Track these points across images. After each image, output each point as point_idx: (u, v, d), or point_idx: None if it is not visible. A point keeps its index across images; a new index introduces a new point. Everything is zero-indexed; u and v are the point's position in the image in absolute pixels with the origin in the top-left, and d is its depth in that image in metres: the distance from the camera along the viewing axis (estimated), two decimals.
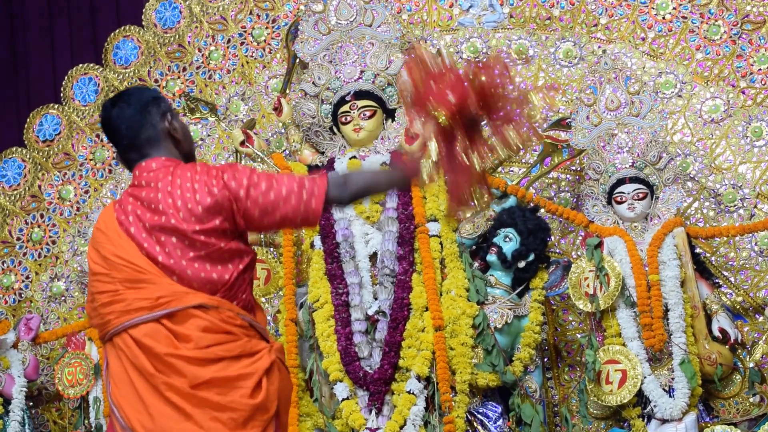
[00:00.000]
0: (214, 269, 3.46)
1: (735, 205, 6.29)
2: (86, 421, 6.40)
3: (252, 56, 6.97)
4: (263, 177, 3.47)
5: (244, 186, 3.44)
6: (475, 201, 3.54)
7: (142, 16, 7.12)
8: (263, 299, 6.30)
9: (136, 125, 3.57)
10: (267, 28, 6.97)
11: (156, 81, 7.04)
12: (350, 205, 6.00)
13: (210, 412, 3.36)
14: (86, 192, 7.06)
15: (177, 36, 7.06)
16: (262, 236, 6.15)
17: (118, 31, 7.15)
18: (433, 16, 6.84)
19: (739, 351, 6.02)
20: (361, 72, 6.19)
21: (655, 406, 5.75)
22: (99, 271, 3.48)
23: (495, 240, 5.99)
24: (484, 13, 6.79)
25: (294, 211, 3.47)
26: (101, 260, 3.48)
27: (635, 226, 6.04)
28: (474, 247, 6.13)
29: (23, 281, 7.04)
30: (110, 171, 7.03)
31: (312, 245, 6.06)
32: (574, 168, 6.51)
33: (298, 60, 6.51)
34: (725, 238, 6.21)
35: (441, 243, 5.98)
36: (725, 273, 6.27)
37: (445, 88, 3.47)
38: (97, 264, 3.49)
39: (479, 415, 5.84)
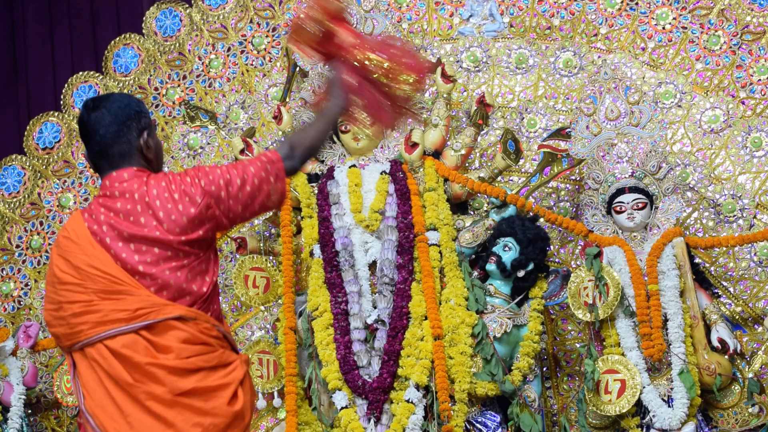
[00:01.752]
0: (194, 281, 3.47)
1: (734, 216, 6.29)
2: None
3: (252, 65, 6.97)
4: (233, 172, 3.50)
5: (222, 186, 3.47)
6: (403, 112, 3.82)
7: (143, 24, 7.13)
8: (262, 307, 6.30)
9: (111, 136, 3.54)
10: (267, 36, 6.98)
11: (156, 89, 7.04)
12: (349, 214, 6.01)
13: (192, 417, 3.37)
14: (86, 200, 7.06)
15: (177, 44, 7.07)
16: (261, 245, 6.15)
17: (118, 39, 7.16)
18: (433, 25, 6.85)
19: (738, 361, 6.02)
20: None
21: (654, 416, 5.75)
22: (69, 280, 3.44)
23: (494, 249, 6.00)
24: (484, 23, 6.80)
25: (267, 197, 3.54)
26: (71, 269, 3.45)
27: (634, 236, 6.05)
28: (473, 256, 6.14)
29: (22, 289, 7.04)
30: None
31: (311, 254, 6.06)
32: (573, 177, 6.51)
33: (298, 69, 6.52)
34: (724, 249, 6.21)
35: (440, 252, 5.98)
36: (724, 283, 6.27)
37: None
38: (65, 273, 3.45)
39: (478, 425, 5.83)
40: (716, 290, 6.21)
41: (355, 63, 3.71)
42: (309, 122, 3.70)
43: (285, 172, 3.58)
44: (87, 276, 3.42)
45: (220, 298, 3.69)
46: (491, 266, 5.98)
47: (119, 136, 3.55)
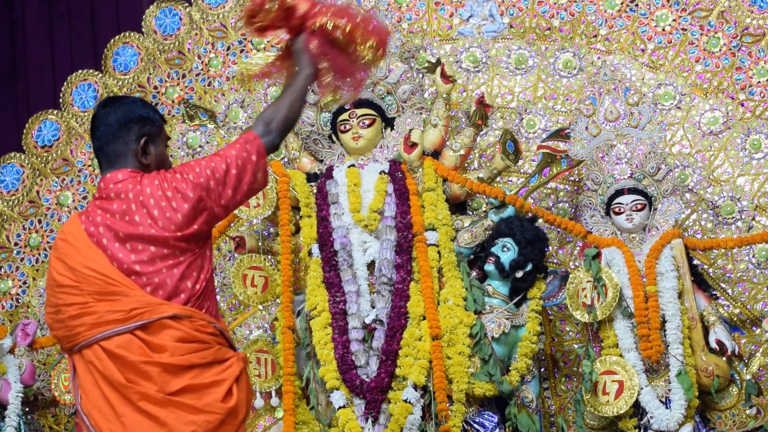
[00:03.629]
0: (188, 278, 3.50)
1: (733, 217, 6.30)
2: None
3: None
4: (216, 159, 3.55)
5: (209, 175, 3.52)
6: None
7: (142, 23, 7.13)
8: (261, 307, 6.30)
9: (110, 135, 3.61)
10: None
11: (155, 87, 7.04)
12: (348, 213, 6.01)
13: (185, 416, 3.39)
14: (84, 198, 7.05)
15: (177, 43, 7.06)
16: (260, 244, 6.15)
17: (117, 37, 7.15)
18: (433, 25, 6.85)
19: (736, 363, 6.01)
20: None
21: (651, 417, 5.75)
22: (66, 283, 3.47)
23: (493, 250, 6.00)
24: (483, 23, 6.80)
25: (253, 176, 3.59)
26: (68, 272, 3.48)
27: (633, 237, 6.05)
28: (472, 256, 6.14)
29: (20, 287, 7.04)
30: None
31: (310, 253, 6.05)
32: (572, 178, 6.52)
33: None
34: (723, 250, 6.21)
35: (439, 252, 5.98)
36: (723, 285, 6.27)
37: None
38: (62, 275, 3.49)
39: (476, 425, 5.83)
40: (714, 292, 6.21)
41: (315, 28, 3.76)
42: (279, 96, 3.72)
43: (265, 148, 3.62)
44: (83, 277, 3.45)
45: (218, 297, 3.70)
46: (490, 267, 5.97)
47: (117, 136, 3.61)
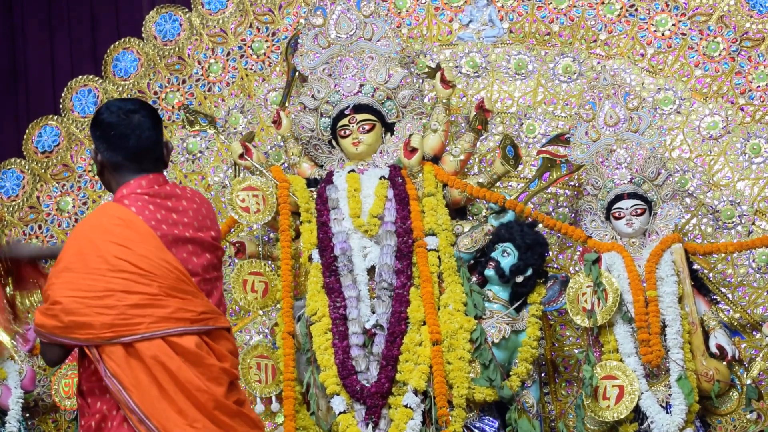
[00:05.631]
0: (220, 292, 3.52)
1: (733, 222, 6.30)
2: None
3: (251, 69, 6.97)
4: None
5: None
6: None
7: (142, 29, 7.13)
8: (261, 312, 6.30)
9: (153, 140, 3.53)
10: (267, 41, 6.98)
11: (155, 93, 7.04)
12: (348, 219, 6.00)
13: (249, 429, 3.38)
14: (84, 203, 7.05)
15: (177, 48, 7.07)
16: (260, 249, 6.15)
17: (117, 43, 7.15)
18: (432, 30, 6.85)
19: (737, 368, 6.02)
20: (361, 86, 6.20)
21: (652, 422, 5.75)
22: (129, 269, 3.33)
23: (493, 255, 5.99)
24: (483, 28, 6.80)
25: None
26: (136, 258, 3.34)
27: (633, 242, 6.05)
28: (472, 261, 6.13)
29: None
30: None
31: (310, 258, 6.05)
32: (572, 183, 6.52)
33: (297, 73, 6.52)
34: (723, 255, 6.21)
35: (439, 257, 5.98)
36: (723, 289, 6.27)
37: None
38: (124, 261, 3.34)
39: (476, 430, 5.83)
40: (715, 296, 6.21)
41: None
42: None
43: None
44: (157, 268, 3.35)
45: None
46: (490, 272, 5.97)
47: (158, 143, 3.55)
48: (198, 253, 3.43)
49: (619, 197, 6.05)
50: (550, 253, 6.38)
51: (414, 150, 6.14)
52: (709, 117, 6.46)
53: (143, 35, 7.13)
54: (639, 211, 6.04)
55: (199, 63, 7.03)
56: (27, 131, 7.18)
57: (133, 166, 3.51)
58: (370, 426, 5.69)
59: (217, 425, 3.31)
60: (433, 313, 5.80)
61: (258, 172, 6.15)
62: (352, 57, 6.27)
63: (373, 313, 5.88)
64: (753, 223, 6.30)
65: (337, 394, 5.74)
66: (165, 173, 3.61)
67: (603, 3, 6.70)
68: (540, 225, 6.16)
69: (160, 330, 3.32)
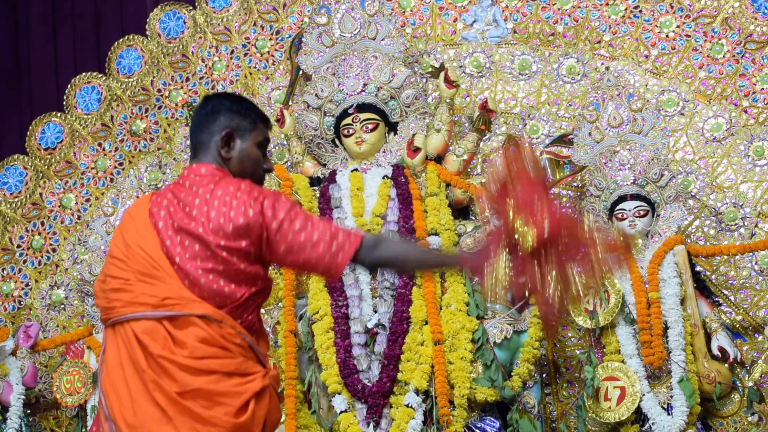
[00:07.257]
0: (228, 285, 3.43)
1: (736, 224, 6.29)
2: (83, 430, 6.39)
3: (255, 67, 6.98)
4: (301, 216, 3.43)
5: (279, 219, 3.41)
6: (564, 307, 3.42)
7: (146, 26, 7.14)
8: (263, 310, 6.30)
9: (198, 125, 3.58)
10: (271, 39, 6.98)
11: (159, 91, 7.05)
12: (351, 218, 6.01)
13: (191, 423, 3.32)
14: (87, 200, 7.06)
15: (181, 46, 7.07)
16: None
17: (121, 40, 7.16)
18: (436, 30, 6.85)
19: (738, 370, 6.02)
20: (364, 85, 6.21)
21: (653, 423, 5.75)
22: (117, 255, 3.46)
23: None
24: (487, 28, 6.80)
25: (318, 259, 3.43)
26: (123, 246, 3.46)
27: (636, 243, 6.04)
28: None
29: (23, 289, 7.04)
30: (111, 180, 7.03)
31: None
32: (575, 184, 6.52)
33: (301, 72, 6.52)
34: (725, 257, 6.21)
35: None
36: (725, 292, 6.26)
37: (544, 213, 3.38)
38: (117, 248, 3.47)
39: (477, 430, 5.83)
40: (717, 299, 6.21)
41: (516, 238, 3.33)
42: (422, 246, 3.57)
43: (353, 252, 3.44)
44: (132, 254, 3.43)
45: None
46: None
47: (204, 126, 3.57)
48: (185, 244, 3.43)
49: (622, 198, 6.05)
50: None
51: (417, 149, 6.14)
52: (713, 119, 6.45)
53: (147, 33, 7.13)
54: (642, 213, 6.04)
55: (203, 61, 7.04)
56: (30, 128, 7.19)
57: (192, 150, 3.65)
58: (371, 425, 5.69)
59: (156, 407, 3.32)
60: (435, 312, 5.80)
61: None
62: (356, 56, 6.27)
63: (375, 312, 5.88)
64: (756, 226, 6.29)
65: (339, 393, 5.74)
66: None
67: (607, 4, 6.70)
68: None
69: (126, 314, 3.40)
